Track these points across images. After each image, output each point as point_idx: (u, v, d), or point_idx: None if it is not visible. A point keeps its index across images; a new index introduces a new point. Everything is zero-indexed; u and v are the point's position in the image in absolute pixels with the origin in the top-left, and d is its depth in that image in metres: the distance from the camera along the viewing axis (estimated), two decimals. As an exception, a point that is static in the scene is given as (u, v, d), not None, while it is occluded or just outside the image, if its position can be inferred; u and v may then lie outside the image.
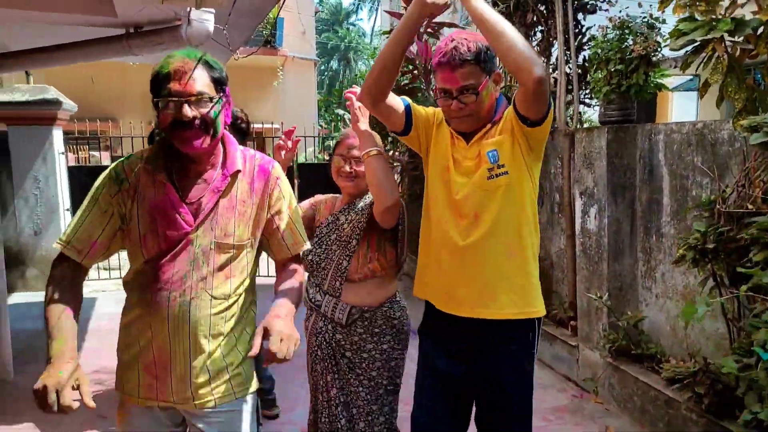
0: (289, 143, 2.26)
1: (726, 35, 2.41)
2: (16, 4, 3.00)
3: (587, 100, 4.31)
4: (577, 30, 4.10)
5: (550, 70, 4.33)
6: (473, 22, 1.66)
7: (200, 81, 1.47)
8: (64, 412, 1.30)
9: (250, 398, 1.65)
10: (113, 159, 8.88)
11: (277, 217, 1.65)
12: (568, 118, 4.12)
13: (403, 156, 5.89)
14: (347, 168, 2.11)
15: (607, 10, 4.04)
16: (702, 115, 9.29)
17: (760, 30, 2.35)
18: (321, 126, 13.54)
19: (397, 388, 2.20)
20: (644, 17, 3.55)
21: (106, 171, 1.57)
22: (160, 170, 1.53)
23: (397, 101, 1.89)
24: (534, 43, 4.42)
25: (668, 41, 2.58)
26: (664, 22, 3.44)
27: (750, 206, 2.54)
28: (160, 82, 1.47)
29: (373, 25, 31.91)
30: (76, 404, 1.31)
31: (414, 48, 4.65)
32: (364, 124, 1.98)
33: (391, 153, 5.91)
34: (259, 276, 1.79)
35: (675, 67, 3.57)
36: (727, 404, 2.65)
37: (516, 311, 1.80)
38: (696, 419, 2.81)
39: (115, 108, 10.58)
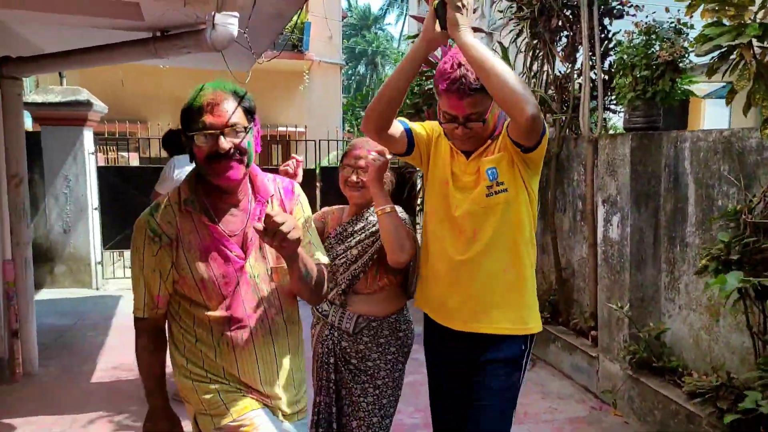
0: (292, 170, 2.20)
1: (754, 40, 2.34)
2: (51, 8, 3.09)
3: (612, 107, 4.25)
4: (603, 35, 4.03)
5: (575, 76, 4.28)
6: (472, 67, 1.65)
7: (233, 112, 1.47)
8: None
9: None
10: (142, 160, 9.08)
11: (306, 230, 1.70)
12: (593, 124, 4.06)
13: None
14: (354, 178, 2.11)
15: (633, 15, 3.96)
16: (734, 123, 9.06)
17: (791, 36, 2.28)
18: (346, 130, 13.61)
19: (397, 400, 2.19)
20: (671, 22, 3.48)
21: (138, 231, 1.54)
22: (201, 210, 1.53)
23: (396, 126, 1.88)
24: (559, 49, 4.37)
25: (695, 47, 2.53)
26: (692, 27, 3.36)
27: (777, 217, 2.46)
28: (192, 115, 1.46)
29: (401, 30, 32.01)
30: None
31: (438, 52, 4.64)
32: (378, 183, 1.99)
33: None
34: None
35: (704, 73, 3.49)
36: (751, 421, 2.57)
37: (509, 326, 1.81)
38: (718, 435, 2.73)
39: (145, 110, 10.80)
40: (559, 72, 4.47)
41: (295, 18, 4.63)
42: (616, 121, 4.72)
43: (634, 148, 3.44)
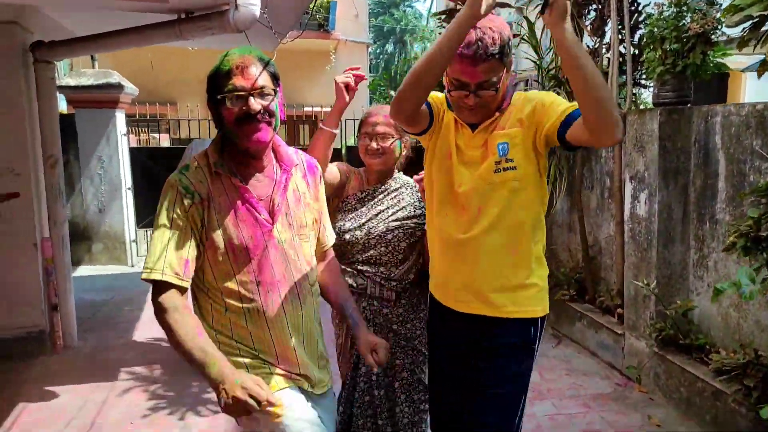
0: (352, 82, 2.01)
1: (788, 10, 2.26)
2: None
3: (642, 81, 4.14)
4: (632, 8, 3.92)
5: (604, 50, 4.18)
6: (565, 67, 1.47)
7: (261, 75, 1.49)
8: (272, 405, 1.39)
9: None
10: (173, 141, 9.25)
11: (322, 209, 1.75)
12: (621, 99, 3.98)
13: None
14: (374, 145, 2.12)
15: (665, -14, 3.84)
16: (775, 97, 8.72)
17: (827, 3, 2.20)
18: (372, 109, 13.56)
19: (425, 362, 2.23)
20: (704, -7, 3.37)
21: (170, 189, 1.50)
22: (232, 173, 1.53)
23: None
24: (587, 23, 4.27)
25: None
26: (725, -3, 3.25)
27: (810, 192, 2.39)
28: (220, 79, 1.47)
29: (429, 7, 31.50)
30: (273, 398, 1.39)
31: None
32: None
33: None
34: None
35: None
36: (778, 399, 2.54)
37: (514, 309, 1.72)
38: (745, 413, 2.71)
39: (175, 92, 10.94)
40: (587, 46, 4.37)
41: (319, -3, 4.62)
42: (647, 96, 4.61)
43: (662, 124, 3.36)
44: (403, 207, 2.18)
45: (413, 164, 2.28)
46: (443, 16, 4.80)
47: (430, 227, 1.88)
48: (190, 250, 1.48)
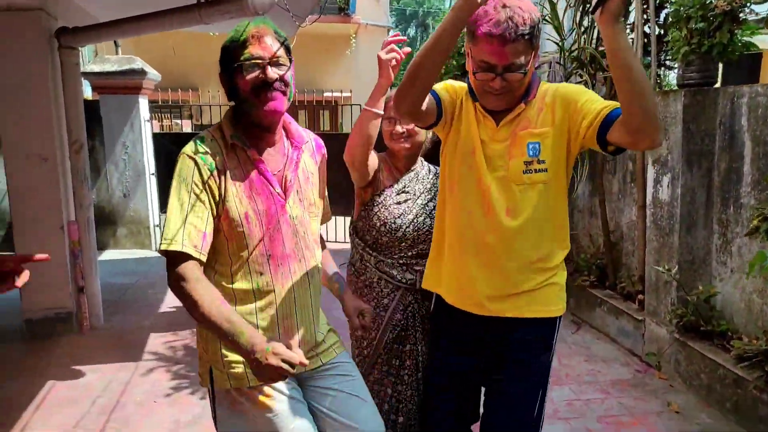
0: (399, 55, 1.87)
1: (820, -15, 2.18)
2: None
3: (668, 62, 4.04)
4: (658, -14, 3.83)
5: (628, 30, 4.09)
6: (615, 76, 1.41)
7: (276, 45, 1.49)
8: (304, 366, 1.38)
9: None
10: (195, 127, 9.35)
11: (324, 189, 1.76)
12: (645, 81, 3.88)
13: None
14: (399, 129, 2.02)
15: (692, -36, 3.72)
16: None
17: None
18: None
19: None
20: (733, -31, 3.26)
21: (186, 160, 1.49)
22: (248, 145, 1.52)
23: (428, 99, 1.63)
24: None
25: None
26: (755, -26, 3.15)
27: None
28: (237, 49, 1.47)
29: (451, -10, 31.02)
30: (304, 359, 1.38)
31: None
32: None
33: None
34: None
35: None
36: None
37: (534, 309, 1.68)
38: (766, 399, 2.67)
39: (197, 78, 11.04)
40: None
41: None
42: (672, 77, 4.50)
43: (686, 105, 3.29)
44: (435, 193, 2.07)
45: (429, 158, 2.21)
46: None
47: (441, 221, 1.80)
48: (208, 223, 1.45)
